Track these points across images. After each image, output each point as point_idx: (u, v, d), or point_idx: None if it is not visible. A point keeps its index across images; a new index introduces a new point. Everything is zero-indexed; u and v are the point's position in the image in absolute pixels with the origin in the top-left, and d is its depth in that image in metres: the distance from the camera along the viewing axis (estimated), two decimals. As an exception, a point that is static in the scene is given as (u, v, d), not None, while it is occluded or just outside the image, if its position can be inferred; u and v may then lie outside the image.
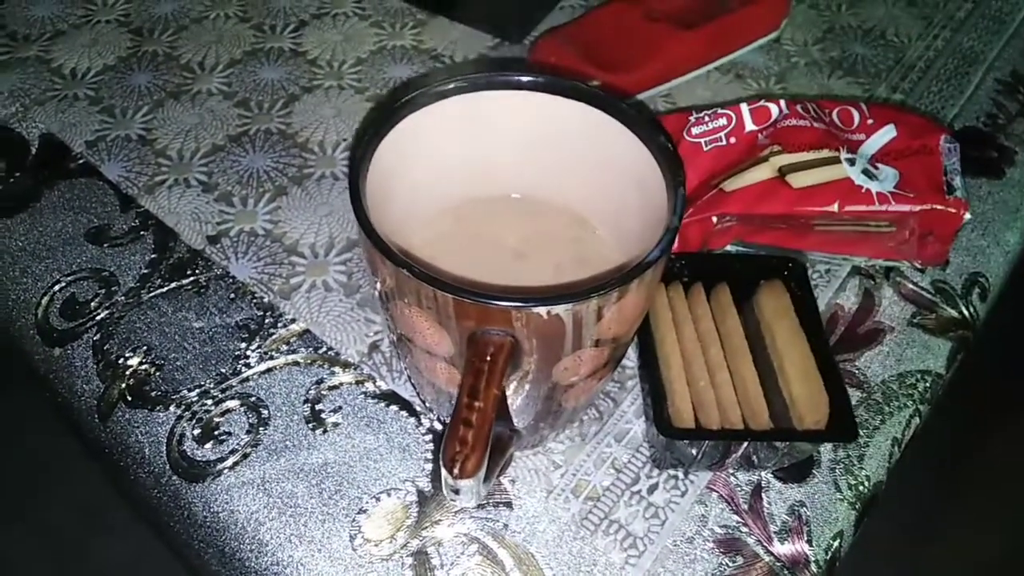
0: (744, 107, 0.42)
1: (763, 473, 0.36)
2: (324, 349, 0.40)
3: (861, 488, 0.36)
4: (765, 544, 0.34)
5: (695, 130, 0.42)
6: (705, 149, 0.42)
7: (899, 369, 0.40)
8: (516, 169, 0.35)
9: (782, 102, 0.42)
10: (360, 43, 0.56)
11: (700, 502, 0.35)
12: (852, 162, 0.39)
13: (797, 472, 0.37)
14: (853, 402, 0.39)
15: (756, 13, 0.55)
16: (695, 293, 0.37)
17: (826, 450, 0.37)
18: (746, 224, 0.40)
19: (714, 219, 0.40)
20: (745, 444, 0.33)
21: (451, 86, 0.31)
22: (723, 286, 0.38)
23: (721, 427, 0.33)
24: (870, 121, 0.42)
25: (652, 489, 0.36)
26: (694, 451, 0.34)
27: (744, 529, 0.35)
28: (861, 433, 0.38)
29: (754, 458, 0.35)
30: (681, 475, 0.36)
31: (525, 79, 0.31)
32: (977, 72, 0.55)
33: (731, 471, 0.36)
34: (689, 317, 0.36)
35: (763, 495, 0.36)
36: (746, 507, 0.35)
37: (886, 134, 0.41)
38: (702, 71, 0.54)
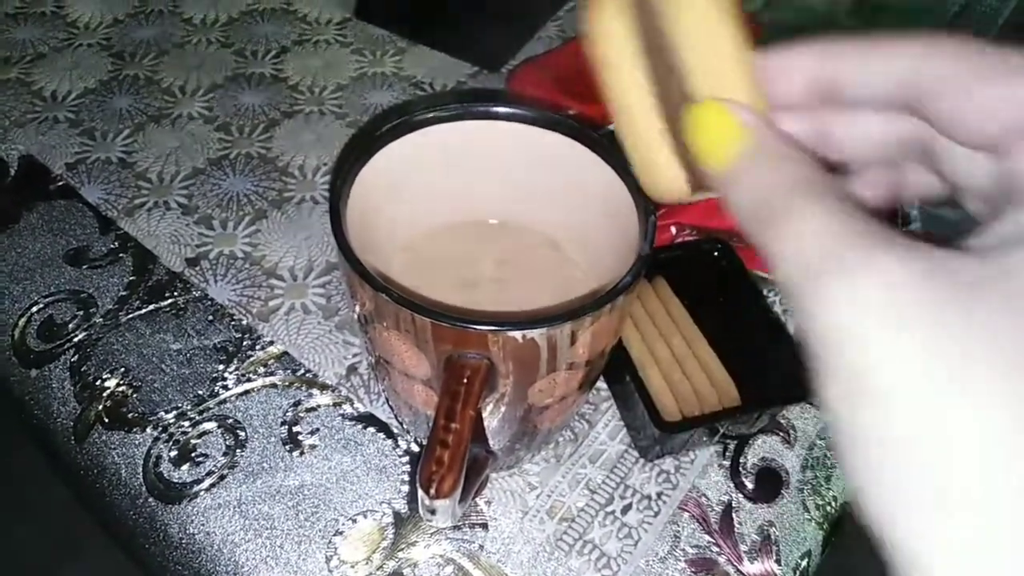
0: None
1: (734, 493, 0.37)
2: (302, 371, 0.40)
3: (828, 508, 0.37)
4: (735, 563, 0.35)
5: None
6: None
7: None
8: (493, 195, 0.36)
9: None
10: (341, 70, 0.57)
11: (672, 522, 0.36)
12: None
13: (767, 492, 0.37)
14: (821, 425, 0.40)
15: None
16: (644, 291, 0.39)
17: (794, 470, 0.38)
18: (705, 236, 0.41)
19: (673, 229, 0.41)
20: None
21: (430, 115, 0.32)
22: (659, 279, 0.39)
23: (702, 412, 0.35)
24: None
25: (626, 510, 0.36)
26: (686, 437, 0.35)
27: (715, 548, 0.36)
28: (829, 455, 0.39)
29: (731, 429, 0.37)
30: (654, 496, 0.37)
31: (502, 110, 0.32)
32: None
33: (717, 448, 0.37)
34: (645, 314, 0.38)
35: (734, 515, 0.37)
36: (717, 527, 0.36)
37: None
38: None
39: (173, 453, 0.37)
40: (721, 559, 0.35)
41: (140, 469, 0.37)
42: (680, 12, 0.18)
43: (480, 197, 0.36)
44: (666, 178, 0.21)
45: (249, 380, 0.40)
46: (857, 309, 0.15)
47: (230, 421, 0.38)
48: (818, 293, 0.15)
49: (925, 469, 0.14)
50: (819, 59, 0.19)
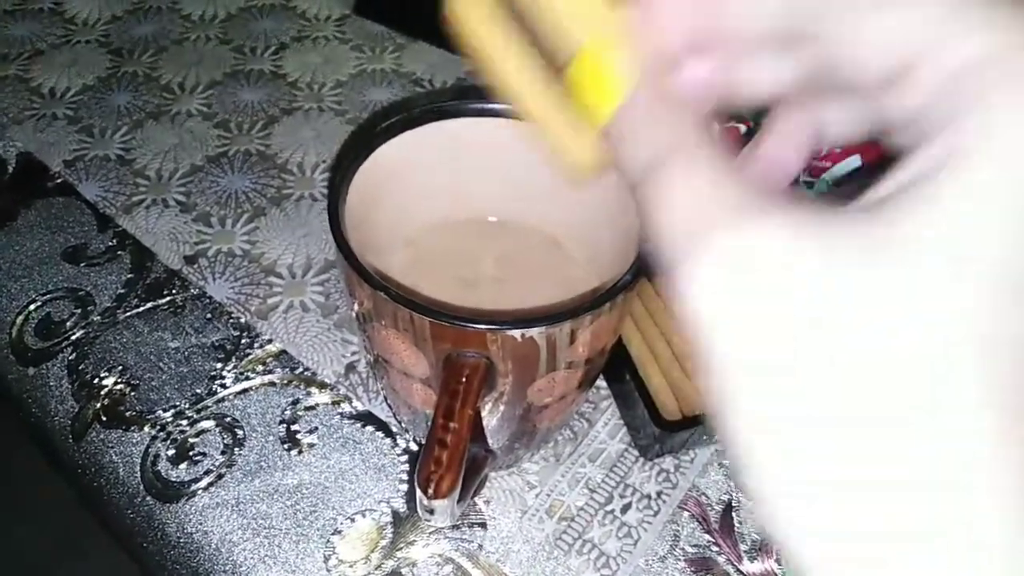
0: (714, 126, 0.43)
1: (734, 492, 0.37)
2: (300, 370, 0.40)
3: (829, 508, 0.37)
4: (735, 563, 0.35)
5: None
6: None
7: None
8: (493, 193, 0.36)
9: (751, 123, 0.43)
10: (340, 66, 0.57)
11: (672, 521, 0.36)
12: (811, 185, 0.41)
13: (767, 492, 0.37)
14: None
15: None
16: (644, 289, 0.39)
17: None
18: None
19: None
20: None
21: (429, 112, 0.32)
22: (660, 276, 0.39)
23: (702, 411, 0.35)
24: (837, 149, 0.44)
25: (625, 509, 0.36)
26: (686, 436, 0.35)
27: (715, 548, 0.35)
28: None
29: None
30: (654, 495, 0.37)
31: (501, 107, 0.32)
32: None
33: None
34: (645, 312, 0.37)
35: (734, 514, 0.36)
36: (717, 526, 0.36)
37: (850, 164, 0.43)
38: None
39: (171, 452, 0.37)
40: (721, 558, 0.35)
41: (138, 468, 0.37)
42: None
43: (480, 195, 0.35)
44: (579, 150, 0.19)
45: (247, 378, 0.40)
46: (712, 290, 0.13)
47: (228, 420, 0.38)
48: (684, 272, 0.14)
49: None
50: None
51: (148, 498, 0.36)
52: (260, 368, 0.40)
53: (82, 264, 0.44)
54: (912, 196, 0.13)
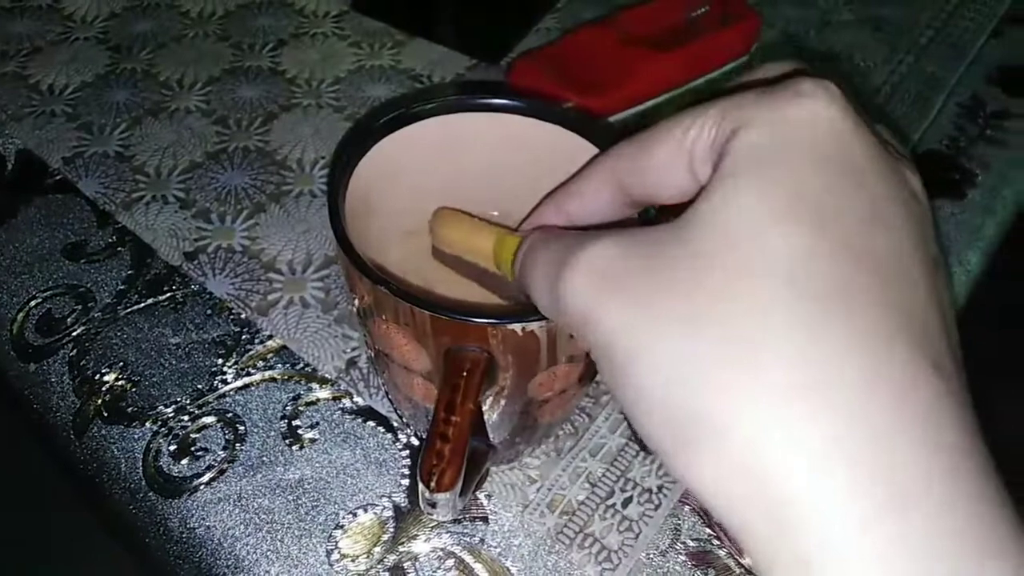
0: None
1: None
2: (301, 365, 0.40)
3: (829, 501, 0.37)
4: (736, 556, 0.35)
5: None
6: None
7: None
8: (494, 188, 0.36)
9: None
10: (339, 62, 0.57)
11: (673, 515, 0.36)
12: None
13: (767, 485, 0.37)
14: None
15: (728, 38, 0.56)
16: None
17: (795, 464, 0.38)
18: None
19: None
20: None
21: (429, 108, 0.32)
22: None
23: None
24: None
25: (626, 503, 0.36)
26: None
27: (716, 542, 0.36)
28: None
29: None
30: (655, 489, 0.37)
31: (500, 102, 0.32)
32: (939, 96, 0.57)
33: None
34: None
35: (734, 508, 0.37)
36: (718, 520, 0.36)
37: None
38: (674, 94, 0.55)
39: (172, 447, 0.37)
40: (722, 552, 0.35)
41: (140, 463, 0.37)
42: (448, 230, 0.31)
43: (480, 190, 0.35)
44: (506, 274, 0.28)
45: (248, 374, 0.40)
46: (574, 298, 0.20)
47: (229, 415, 0.38)
48: (561, 291, 0.20)
49: (662, 400, 0.18)
50: (556, 213, 0.25)
51: (150, 493, 0.36)
52: (261, 364, 0.40)
53: (82, 261, 0.44)
54: (688, 216, 0.19)
